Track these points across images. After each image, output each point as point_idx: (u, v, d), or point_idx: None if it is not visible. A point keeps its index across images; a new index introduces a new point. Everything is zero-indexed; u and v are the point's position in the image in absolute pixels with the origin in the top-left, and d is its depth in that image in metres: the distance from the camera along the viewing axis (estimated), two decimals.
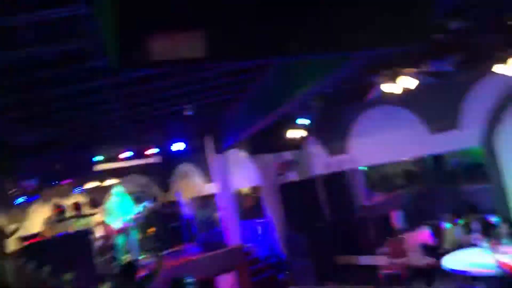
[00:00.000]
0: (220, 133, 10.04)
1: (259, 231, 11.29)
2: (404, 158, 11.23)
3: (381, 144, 9.30)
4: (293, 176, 11.09)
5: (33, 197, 10.43)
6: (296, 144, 10.60)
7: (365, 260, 9.54)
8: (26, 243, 8.80)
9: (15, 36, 3.54)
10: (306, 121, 9.24)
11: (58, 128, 7.03)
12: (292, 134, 9.20)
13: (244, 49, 1.89)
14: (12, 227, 8.62)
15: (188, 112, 7.27)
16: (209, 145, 10.55)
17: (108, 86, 5.43)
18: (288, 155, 11.12)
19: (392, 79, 6.12)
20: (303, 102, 7.22)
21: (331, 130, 10.32)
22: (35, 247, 7.87)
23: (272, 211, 11.15)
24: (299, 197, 10.55)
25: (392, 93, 6.31)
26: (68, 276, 5.64)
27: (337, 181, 10.67)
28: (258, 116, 7.48)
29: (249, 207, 11.75)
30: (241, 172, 11.41)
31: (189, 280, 5.05)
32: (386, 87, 6.25)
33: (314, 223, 10.21)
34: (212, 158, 10.64)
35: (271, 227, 11.16)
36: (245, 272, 9.71)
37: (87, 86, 5.36)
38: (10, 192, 8.15)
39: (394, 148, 9.20)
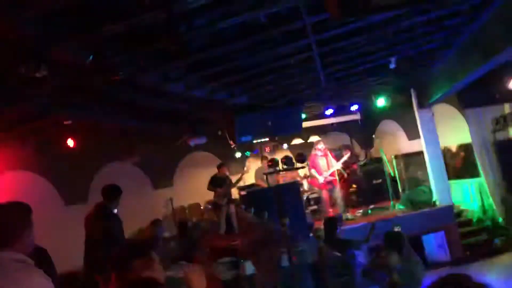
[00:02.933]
0: (425, 86, 9.42)
1: (471, 192, 10.38)
2: None
3: None
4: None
5: (251, 151, 11.75)
6: None
7: None
8: (243, 192, 9.99)
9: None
10: None
11: (267, 88, 7.64)
12: None
13: None
14: (237, 176, 9.87)
15: (391, 65, 7.00)
16: (413, 99, 10.03)
17: (311, 45, 5.62)
18: (506, 108, 9.80)
19: None
20: None
21: None
22: (253, 195, 8.88)
23: (486, 170, 10.09)
24: None
25: None
26: (285, 220, 6.23)
27: None
28: (472, 65, 6.76)
29: (459, 166, 10.84)
30: (450, 128, 10.59)
31: (400, 231, 4.99)
32: None
33: None
34: (417, 113, 10.10)
35: (484, 188, 10.14)
36: (454, 233, 9.18)
37: (292, 46, 5.65)
38: (232, 146, 9.33)
39: None
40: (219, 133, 9.16)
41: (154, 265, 2.24)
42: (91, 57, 4.02)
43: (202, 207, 11.49)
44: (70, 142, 7.76)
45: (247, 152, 12.08)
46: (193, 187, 11.22)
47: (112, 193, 5.49)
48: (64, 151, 7.88)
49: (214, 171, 9.73)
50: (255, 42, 5.16)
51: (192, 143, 9.17)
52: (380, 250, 4.78)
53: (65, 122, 6.54)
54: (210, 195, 9.84)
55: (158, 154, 10.44)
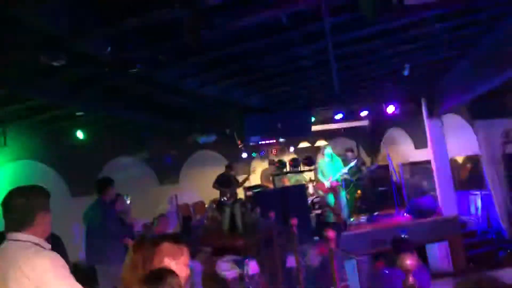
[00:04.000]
0: (436, 96, 9.40)
1: (477, 204, 10.35)
2: None
3: None
4: None
5: (257, 152, 11.77)
6: None
7: None
8: (250, 192, 9.99)
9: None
10: None
11: (280, 90, 7.65)
12: None
13: None
14: (243, 176, 9.87)
15: (405, 72, 6.99)
16: (423, 108, 10.01)
17: (324, 49, 5.62)
18: None
19: None
20: None
21: None
22: (259, 196, 8.90)
23: (494, 183, 10.05)
24: None
25: None
26: (293, 220, 6.22)
27: None
28: (485, 76, 6.74)
29: (466, 177, 10.82)
30: (457, 139, 10.56)
31: (407, 237, 5.00)
32: None
33: None
34: (426, 122, 10.08)
35: (491, 200, 10.11)
36: (458, 243, 9.14)
37: (309, 48, 5.66)
38: (240, 146, 9.35)
39: None
40: (227, 131, 9.17)
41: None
42: (109, 49, 4.05)
43: (206, 206, 11.50)
44: (80, 134, 7.80)
45: (254, 153, 12.10)
46: (199, 185, 11.24)
47: (101, 186, 5.58)
48: (74, 143, 7.93)
49: (220, 170, 9.74)
50: (272, 42, 5.17)
51: (201, 141, 9.19)
52: (388, 255, 4.79)
53: (77, 114, 6.57)
54: (215, 194, 9.84)
55: (166, 150, 10.48)
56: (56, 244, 3.05)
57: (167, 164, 10.96)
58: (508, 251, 9.41)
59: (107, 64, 4.24)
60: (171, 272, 2.07)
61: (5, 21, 3.33)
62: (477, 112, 9.98)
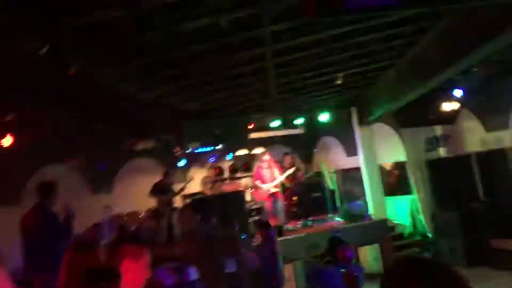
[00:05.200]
0: (366, 104, 9.91)
1: (404, 208, 11.00)
2: None
3: None
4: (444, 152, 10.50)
5: (194, 159, 11.61)
6: (449, 118, 9.99)
7: None
8: (188, 200, 9.89)
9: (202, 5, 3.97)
10: (461, 93, 8.64)
11: (218, 96, 7.69)
12: (446, 106, 8.69)
13: None
14: (180, 185, 9.75)
15: (337, 81, 7.33)
16: (354, 117, 10.50)
17: (264, 55, 5.77)
18: (438, 129, 10.54)
19: None
20: (466, 69, 6.75)
21: (491, 103, 9.47)
22: (198, 203, 8.82)
23: (418, 188, 10.76)
24: (450, 174, 9.97)
25: None
26: (234, 226, 6.26)
27: (495, 159, 9.78)
28: (411, 86, 7.23)
29: (393, 183, 11.47)
30: (385, 147, 11.17)
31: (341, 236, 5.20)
32: None
33: (466, 203, 9.58)
34: (356, 130, 10.57)
35: (416, 204, 10.80)
36: (388, 246, 9.62)
37: (248, 54, 5.77)
38: (176, 154, 9.23)
39: None
40: (165, 138, 9.04)
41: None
42: (46, 49, 3.89)
43: (141, 215, 11.17)
44: (7, 141, 7.32)
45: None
46: (133, 194, 10.92)
47: (46, 189, 5.34)
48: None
49: (156, 178, 9.56)
50: (211, 47, 5.22)
51: (137, 147, 8.98)
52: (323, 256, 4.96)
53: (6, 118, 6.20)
54: (151, 203, 9.63)
55: (99, 157, 10.08)
56: None
57: (101, 171, 10.56)
58: (432, 252, 10.07)
59: (42, 64, 4.06)
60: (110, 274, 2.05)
61: None
62: (403, 121, 10.66)
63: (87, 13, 3.65)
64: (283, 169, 10.28)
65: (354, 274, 1.97)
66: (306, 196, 11.42)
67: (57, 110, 6.27)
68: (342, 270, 2.00)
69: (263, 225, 6.54)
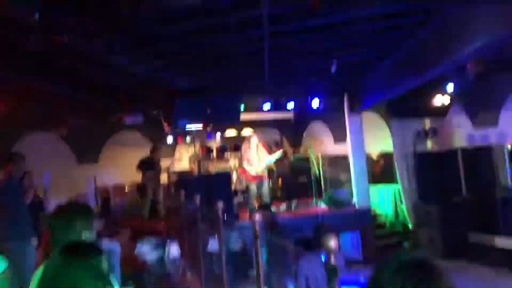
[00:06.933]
0: (358, 93, 9.89)
1: (386, 197, 11.12)
2: None
3: None
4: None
5: (184, 136, 11.54)
6: (438, 112, 10.05)
7: (502, 242, 8.89)
8: (174, 177, 9.88)
9: None
10: (453, 87, 8.68)
11: (210, 75, 7.61)
12: (437, 100, 8.73)
13: None
14: (168, 162, 9.71)
15: (332, 69, 7.28)
16: (345, 104, 10.48)
17: (260, 37, 5.69)
18: (427, 122, 10.60)
19: None
20: (459, 64, 6.74)
21: (481, 100, 9.54)
22: (184, 181, 8.82)
23: (403, 178, 10.86)
24: (435, 168, 10.07)
25: None
26: (218, 204, 6.24)
27: (480, 156, 9.90)
28: (404, 78, 7.22)
29: (378, 172, 11.57)
30: (373, 136, 11.21)
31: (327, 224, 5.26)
32: None
33: (448, 196, 9.72)
34: (347, 118, 10.56)
35: (400, 194, 10.92)
36: (369, 234, 9.75)
37: (241, 36, 5.68)
38: (166, 131, 9.16)
39: None
40: (155, 113, 8.95)
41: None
42: (37, 15, 3.78)
43: (126, 189, 11.16)
44: None
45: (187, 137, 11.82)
46: (120, 167, 10.88)
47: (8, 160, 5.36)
48: None
49: (142, 152, 9.51)
50: (208, 25, 5.13)
51: (128, 121, 8.88)
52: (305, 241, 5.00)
53: None
54: (136, 177, 9.60)
55: (86, 128, 9.98)
56: None
57: (88, 141, 10.48)
58: (411, 242, 10.24)
59: (33, 30, 3.95)
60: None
61: None
62: (393, 112, 10.69)
63: None
64: (270, 151, 10.27)
65: (337, 264, 1.97)
66: (292, 180, 11.50)
67: (45, 80, 6.14)
68: (324, 260, 2.00)
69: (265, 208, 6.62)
